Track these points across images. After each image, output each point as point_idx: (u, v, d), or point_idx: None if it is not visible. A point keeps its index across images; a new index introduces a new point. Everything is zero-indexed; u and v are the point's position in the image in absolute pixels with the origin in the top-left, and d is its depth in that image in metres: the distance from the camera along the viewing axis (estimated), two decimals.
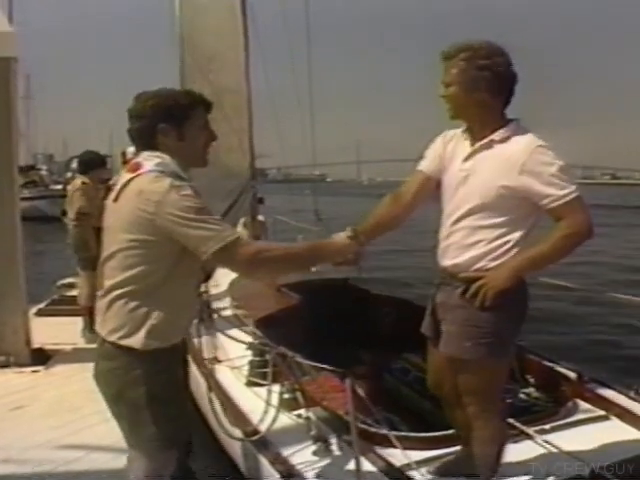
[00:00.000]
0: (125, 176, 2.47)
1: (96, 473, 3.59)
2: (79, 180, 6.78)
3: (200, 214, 2.33)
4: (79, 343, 6.17)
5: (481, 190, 2.65)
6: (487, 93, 2.63)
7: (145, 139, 2.52)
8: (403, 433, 3.15)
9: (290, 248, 2.60)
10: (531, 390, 4.00)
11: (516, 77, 2.69)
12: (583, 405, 3.68)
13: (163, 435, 2.52)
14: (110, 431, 4.10)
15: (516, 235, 2.63)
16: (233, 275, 7.12)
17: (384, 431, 2.96)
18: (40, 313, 7.40)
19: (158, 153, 2.48)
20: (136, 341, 2.44)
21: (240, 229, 8.78)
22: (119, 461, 3.67)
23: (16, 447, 3.81)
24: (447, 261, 2.77)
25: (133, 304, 2.44)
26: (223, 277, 7.09)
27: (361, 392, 2.98)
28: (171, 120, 2.49)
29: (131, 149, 7.74)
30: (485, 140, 2.67)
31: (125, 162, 7.76)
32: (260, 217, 8.16)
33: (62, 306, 7.77)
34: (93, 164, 6.90)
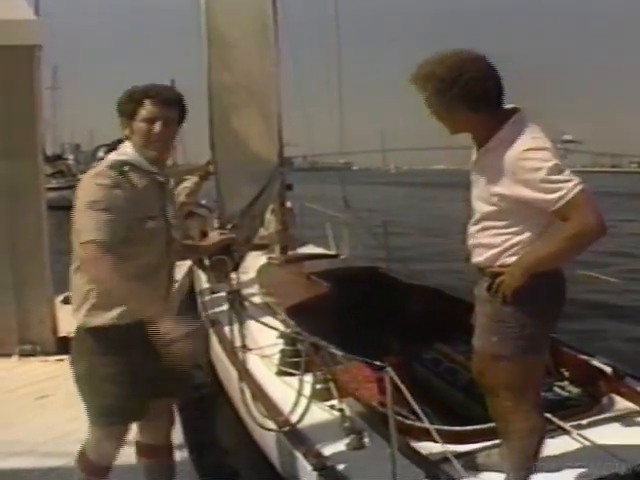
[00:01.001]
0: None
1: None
2: None
3: (92, 207, 2.47)
4: None
5: (484, 197, 2.63)
6: (463, 112, 2.55)
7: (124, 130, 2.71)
8: (443, 427, 3.09)
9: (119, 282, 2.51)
10: (565, 384, 3.94)
11: (488, 80, 2.54)
12: (619, 401, 3.62)
13: (102, 411, 2.65)
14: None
15: (528, 234, 2.57)
16: (261, 261, 7.16)
17: (423, 424, 2.91)
18: (67, 301, 7.41)
19: (128, 145, 2.68)
20: (78, 317, 2.60)
21: (268, 216, 8.83)
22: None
23: (38, 439, 3.79)
24: (474, 258, 2.76)
25: (80, 281, 2.58)
26: (249, 263, 7.11)
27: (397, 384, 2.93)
28: (124, 115, 2.69)
29: None
30: (482, 149, 2.63)
31: None
32: (288, 204, 8.16)
33: None
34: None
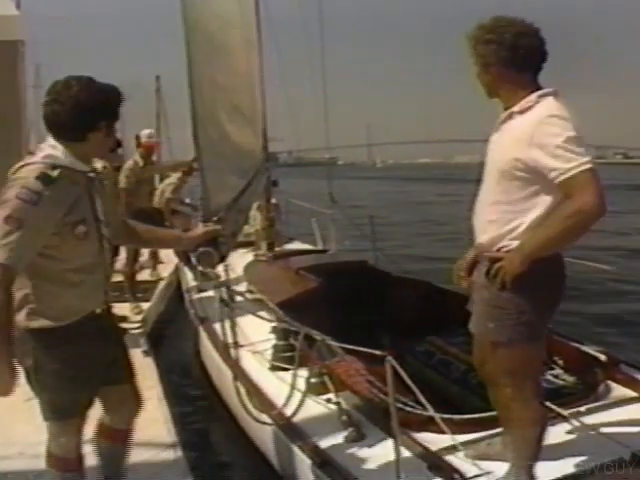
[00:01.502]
0: (21, 162, 2.58)
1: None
2: None
3: (6, 222, 2.38)
4: None
5: (498, 164, 2.60)
6: (499, 66, 2.59)
7: (76, 130, 2.57)
8: (444, 415, 3.05)
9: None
10: (559, 372, 3.92)
11: (533, 46, 2.59)
12: (616, 387, 3.61)
13: (51, 407, 2.69)
14: None
15: (535, 213, 2.53)
16: (248, 259, 7.09)
17: (427, 413, 2.88)
18: None
19: (56, 142, 2.57)
20: (19, 320, 2.56)
21: (254, 212, 8.75)
22: (136, 454, 3.59)
23: (29, 441, 3.66)
24: (477, 238, 2.73)
25: (18, 284, 2.51)
26: (236, 261, 7.05)
27: (376, 377, 2.90)
28: (107, 118, 2.63)
29: (146, 131, 7.64)
30: (507, 111, 2.62)
31: (139, 145, 7.67)
32: (273, 200, 8.10)
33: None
34: None
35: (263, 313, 4.77)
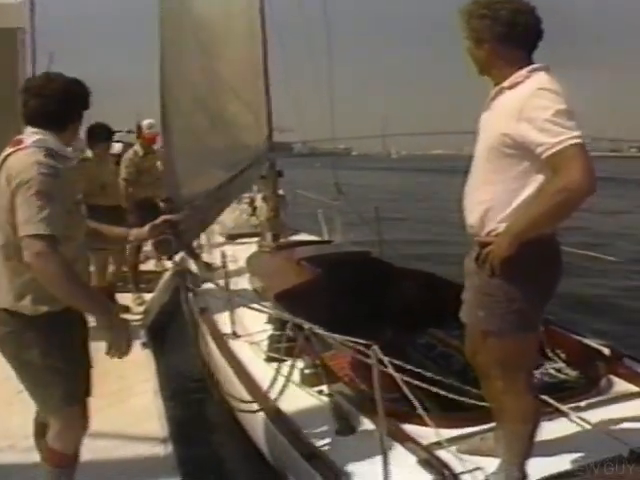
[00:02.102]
0: (6, 150, 2.65)
1: (97, 464, 3.42)
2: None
3: (38, 197, 2.44)
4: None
5: (487, 140, 2.51)
6: (493, 42, 2.51)
7: (61, 120, 2.73)
8: (435, 411, 2.99)
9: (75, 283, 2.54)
10: (561, 366, 3.84)
11: (529, 24, 2.50)
12: (618, 382, 3.51)
13: (61, 393, 2.68)
14: (119, 415, 4.07)
15: (525, 193, 2.42)
16: (251, 250, 7.04)
17: (412, 409, 2.80)
18: None
19: (42, 130, 2.67)
20: (24, 306, 2.58)
21: (259, 203, 8.67)
22: (123, 450, 3.63)
23: (21, 433, 3.62)
24: (467, 220, 2.63)
25: (20, 270, 2.55)
26: (241, 252, 6.99)
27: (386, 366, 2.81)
28: (85, 107, 2.85)
29: (147, 122, 7.55)
30: (497, 88, 2.54)
31: (139, 136, 7.61)
32: (280, 191, 8.03)
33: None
34: (100, 137, 6.43)
35: (262, 304, 4.74)
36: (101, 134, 6.45)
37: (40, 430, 2.94)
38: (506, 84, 2.49)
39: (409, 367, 2.90)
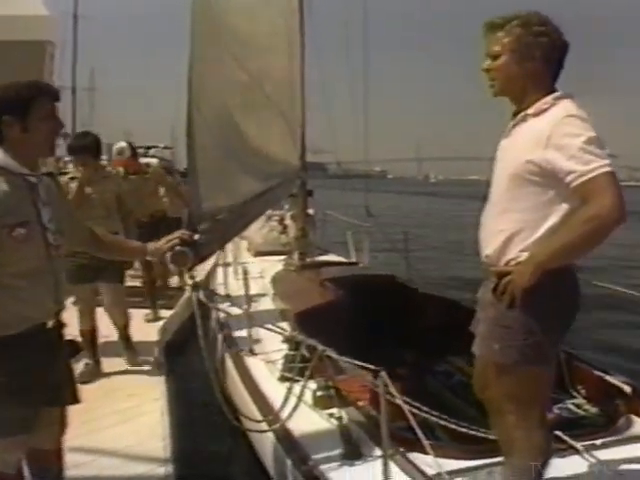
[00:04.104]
0: None
1: None
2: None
3: None
4: (111, 336, 5.86)
5: (510, 168, 2.44)
6: (541, 62, 2.44)
7: None
8: (442, 441, 2.94)
9: None
10: (581, 402, 3.77)
11: (568, 48, 2.48)
12: (638, 421, 3.42)
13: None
14: (125, 434, 4.07)
15: (548, 223, 2.37)
16: (276, 269, 7.06)
17: (417, 437, 2.75)
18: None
19: None
20: None
21: (289, 222, 8.69)
22: (129, 468, 3.61)
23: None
24: (483, 250, 2.57)
25: None
26: (268, 270, 7.01)
27: (398, 393, 2.78)
28: (14, 112, 2.50)
29: (117, 146, 7.41)
30: (521, 115, 2.48)
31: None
32: (310, 210, 8.05)
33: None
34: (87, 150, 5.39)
35: (281, 324, 4.74)
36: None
37: (31, 454, 2.83)
38: (531, 111, 2.44)
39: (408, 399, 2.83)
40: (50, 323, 2.64)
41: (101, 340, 5.47)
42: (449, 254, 17.32)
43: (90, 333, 5.28)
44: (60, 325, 2.73)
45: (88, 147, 5.34)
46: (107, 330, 5.61)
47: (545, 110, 2.41)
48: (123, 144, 7.42)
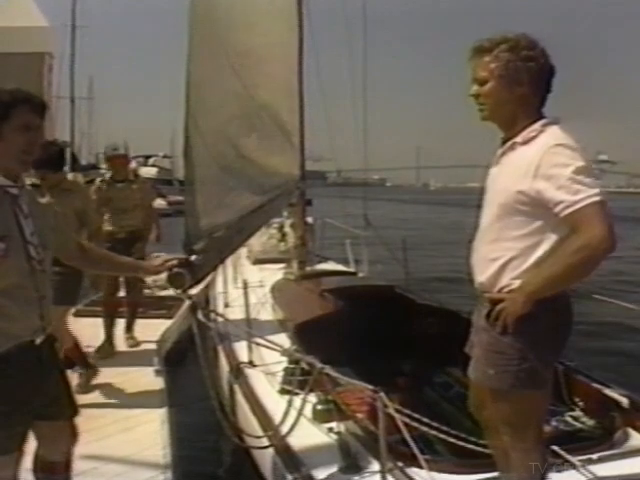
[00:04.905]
0: None
1: None
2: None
3: None
4: (115, 346, 5.95)
5: (500, 197, 2.45)
6: (529, 87, 2.43)
7: None
8: (440, 456, 2.96)
9: None
10: (578, 414, 3.78)
11: (554, 71, 2.48)
12: (634, 435, 3.43)
13: None
14: (128, 442, 4.09)
15: (539, 252, 2.39)
16: (276, 277, 7.07)
17: (422, 451, 2.78)
18: (79, 314, 7.03)
19: None
20: None
21: (288, 230, 8.72)
22: (129, 476, 3.63)
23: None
24: (476, 277, 2.58)
25: None
26: (267, 278, 7.03)
27: (395, 406, 2.80)
28: None
29: (109, 144, 7.25)
30: (509, 143, 2.48)
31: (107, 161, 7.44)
32: (309, 219, 8.07)
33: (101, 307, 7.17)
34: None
35: (281, 335, 4.76)
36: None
37: (39, 465, 2.85)
38: (519, 139, 2.44)
39: (410, 412, 2.85)
40: (38, 340, 2.54)
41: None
42: (448, 259, 17.32)
43: (73, 350, 5.06)
44: (51, 340, 2.64)
45: (46, 160, 4.78)
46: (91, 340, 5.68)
47: (533, 138, 2.41)
48: (116, 141, 7.21)
